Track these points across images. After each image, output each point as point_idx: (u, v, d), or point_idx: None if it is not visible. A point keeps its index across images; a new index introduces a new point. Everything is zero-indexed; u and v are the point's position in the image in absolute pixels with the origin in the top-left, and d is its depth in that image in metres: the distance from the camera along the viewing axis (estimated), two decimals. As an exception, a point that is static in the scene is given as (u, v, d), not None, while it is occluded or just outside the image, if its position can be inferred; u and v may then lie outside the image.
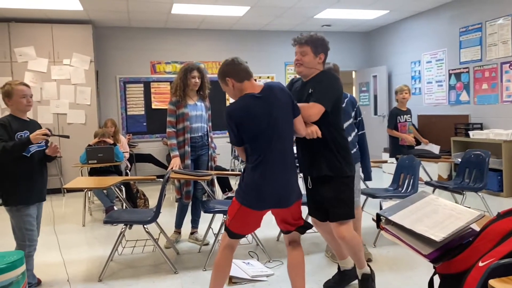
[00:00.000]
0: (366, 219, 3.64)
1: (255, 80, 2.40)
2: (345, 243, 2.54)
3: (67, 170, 6.63)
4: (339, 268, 2.93)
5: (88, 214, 5.09)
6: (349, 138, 3.30)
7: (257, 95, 2.25)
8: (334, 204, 2.51)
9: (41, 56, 6.60)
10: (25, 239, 2.85)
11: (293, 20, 7.49)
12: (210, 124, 4.06)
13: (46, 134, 2.81)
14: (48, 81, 6.64)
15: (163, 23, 7.39)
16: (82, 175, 5.47)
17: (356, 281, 2.77)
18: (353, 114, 3.35)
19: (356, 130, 3.35)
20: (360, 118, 3.41)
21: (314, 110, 2.39)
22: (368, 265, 2.71)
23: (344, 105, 3.32)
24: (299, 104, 2.39)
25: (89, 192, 5.16)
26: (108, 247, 3.63)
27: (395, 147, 4.90)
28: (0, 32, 6.43)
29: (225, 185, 5.91)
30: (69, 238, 4.28)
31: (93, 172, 5.23)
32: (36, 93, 6.56)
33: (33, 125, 3.03)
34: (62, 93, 6.71)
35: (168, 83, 7.52)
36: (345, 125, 3.30)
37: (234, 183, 6.52)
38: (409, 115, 5.03)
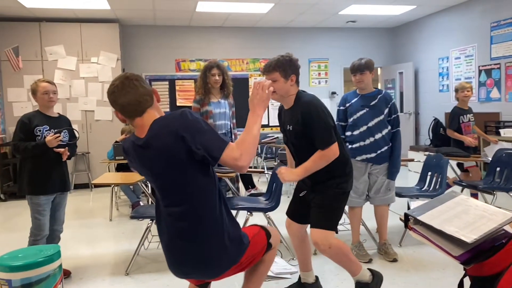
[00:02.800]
0: (392, 218, 3.59)
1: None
2: (327, 255, 2.44)
3: (95, 165, 6.80)
4: (299, 278, 2.79)
5: (115, 209, 5.20)
6: (379, 136, 3.26)
7: (137, 143, 1.70)
8: (319, 210, 2.42)
9: (70, 54, 6.78)
10: (33, 226, 3.00)
11: (317, 16, 7.43)
12: (234, 121, 4.08)
13: (58, 136, 2.98)
14: (76, 79, 6.82)
15: (187, 21, 7.46)
16: (109, 171, 5.61)
17: None
18: (386, 111, 3.27)
19: (389, 128, 3.28)
20: (395, 115, 3.31)
21: (333, 150, 2.30)
22: (371, 270, 2.56)
23: (376, 101, 3.28)
24: (317, 156, 2.30)
25: (116, 188, 5.28)
26: (134, 241, 3.71)
27: (461, 150, 4.57)
28: (32, 31, 6.64)
29: (248, 182, 5.93)
30: (97, 232, 4.40)
31: (120, 168, 5.35)
32: (65, 90, 6.76)
33: (58, 121, 3.17)
34: (90, 90, 6.88)
35: (193, 80, 7.60)
36: (375, 121, 3.26)
37: (257, 180, 6.54)
38: (471, 114, 4.77)
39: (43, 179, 3.02)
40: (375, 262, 3.31)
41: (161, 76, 7.76)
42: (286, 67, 2.36)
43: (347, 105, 3.39)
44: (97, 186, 6.61)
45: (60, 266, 0.91)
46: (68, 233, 4.12)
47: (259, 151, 7.40)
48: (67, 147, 3.10)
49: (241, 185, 5.75)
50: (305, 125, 2.33)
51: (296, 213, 2.64)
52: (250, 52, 7.97)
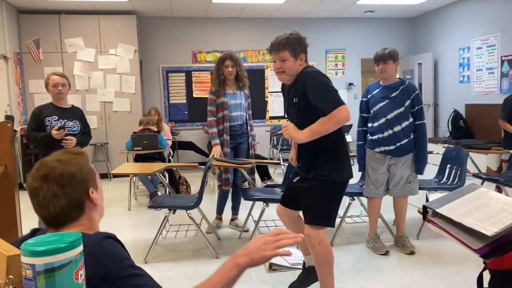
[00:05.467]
0: (410, 211, 3.56)
1: None
2: (313, 252, 2.36)
3: (114, 156, 6.92)
4: (304, 265, 2.76)
5: (133, 199, 5.30)
6: (398, 128, 3.21)
7: None
8: (310, 204, 2.35)
9: (89, 46, 6.87)
10: None
11: (334, 6, 7.33)
12: (250, 112, 4.08)
13: (63, 130, 3.14)
14: (95, 71, 6.91)
15: (204, 12, 7.46)
16: (127, 161, 5.70)
17: None
18: (407, 102, 3.19)
19: (410, 120, 3.22)
20: (419, 107, 3.22)
21: (342, 112, 2.14)
22: None
23: (397, 92, 3.22)
24: (325, 118, 2.16)
25: (134, 178, 5.37)
26: (152, 230, 3.78)
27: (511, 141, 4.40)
28: (52, 23, 6.74)
29: (264, 174, 5.95)
30: (116, 221, 4.49)
31: (138, 159, 5.43)
32: (84, 82, 6.86)
33: (69, 112, 3.32)
34: (108, 82, 6.97)
35: (209, 72, 7.62)
36: (394, 113, 3.21)
37: (273, 171, 6.55)
38: None
39: None
40: (391, 255, 3.30)
41: (177, 67, 7.80)
42: (295, 46, 2.28)
43: (369, 96, 3.35)
44: (115, 176, 6.73)
45: (82, 252, 0.94)
46: (89, 222, 4.21)
47: (275, 143, 7.40)
48: (74, 137, 3.20)
49: (257, 176, 5.78)
50: (308, 92, 2.20)
51: (288, 199, 2.56)
52: (266, 43, 7.82)
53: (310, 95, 2.20)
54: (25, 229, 2.62)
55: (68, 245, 0.92)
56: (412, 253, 3.29)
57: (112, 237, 1.15)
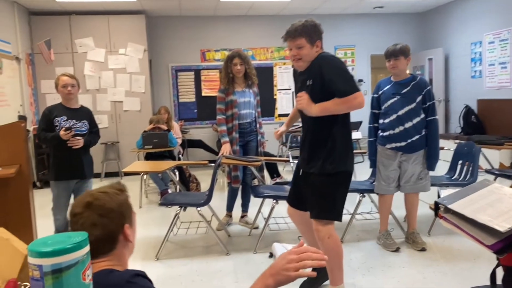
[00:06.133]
0: (421, 208, 3.53)
1: None
2: (322, 246, 2.36)
3: (124, 154, 6.98)
4: None
5: (144, 197, 5.34)
6: (409, 124, 3.18)
7: None
8: (315, 199, 2.35)
9: (99, 46, 6.93)
10: (52, 207, 3.27)
11: (343, 2, 7.29)
12: (259, 110, 4.09)
13: (69, 131, 3.18)
14: (105, 70, 6.97)
15: (212, 10, 7.48)
16: (138, 160, 5.74)
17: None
18: (419, 98, 3.17)
19: (421, 116, 3.19)
20: (431, 103, 3.19)
21: (357, 98, 2.19)
22: None
23: (408, 88, 3.20)
24: (339, 100, 2.20)
25: (145, 176, 5.41)
26: (163, 228, 3.81)
27: None
28: (62, 24, 6.81)
29: (273, 171, 5.95)
30: (128, 219, 4.53)
31: (148, 157, 5.47)
32: (95, 82, 6.93)
33: (78, 113, 3.37)
34: (118, 81, 7.03)
35: (217, 70, 7.62)
36: (405, 110, 3.18)
37: (282, 169, 6.55)
38: None
39: (59, 167, 3.26)
40: (402, 251, 3.29)
41: (186, 66, 7.83)
42: (311, 33, 2.29)
43: (380, 92, 3.34)
44: (127, 174, 6.79)
45: (88, 253, 0.95)
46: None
47: (284, 140, 7.39)
48: (82, 137, 3.26)
49: (266, 173, 5.79)
50: (324, 77, 2.22)
51: (296, 199, 2.57)
52: (274, 41, 7.91)
53: (327, 78, 2.22)
54: (39, 226, 2.67)
55: (75, 245, 0.93)
56: (423, 249, 3.27)
57: (142, 275, 1.16)
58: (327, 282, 2.55)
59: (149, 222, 4.42)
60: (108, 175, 6.96)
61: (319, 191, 2.34)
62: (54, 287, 0.89)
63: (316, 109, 2.26)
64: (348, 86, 2.20)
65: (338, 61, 2.30)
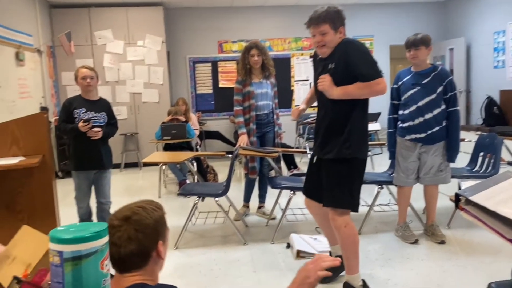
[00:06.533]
0: (440, 200, 3.49)
1: None
2: (339, 235, 2.36)
3: (144, 145, 7.07)
4: (330, 255, 2.73)
5: (163, 187, 5.42)
6: (429, 116, 3.13)
7: None
8: (331, 187, 2.34)
9: (118, 38, 7.01)
10: (75, 196, 3.40)
11: (362, -8, 7.16)
12: (276, 101, 4.08)
13: (87, 123, 3.23)
14: (124, 62, 7.05)
15: (229, 1, 7.46)
16: (157, 150, 5.82)
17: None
18: (440, 89, 3.11)
19: (442, 107, 3.13)
20: (452, 93, 3.13)
21: (380, 84, 2.21)
22: (364, 282, 2.42)
23: (429, 79, 3.14)
24: (362, 84, 2.20)
25: (164, 166, 5.49)
26: (182, 217, 3.86)
27: None
28: (82, 17, 6.91)
29: (290, 163, 5.96)
30: (147, 209, 4.61)
31: (167, 148, 5.54)
32: (114, 74, 7.02)
33: (96, 104, 3.42)
34: (137, 73, 7.10)
35: (235, 61, 7.63)
36: (426, 100, 3.13)
37: (299, 160, 6.54)
38: None
39: (79, 157, 3.36)
40: (421, 244, 3.26)
41: (203, 58, 7.85)
42: (335, 19, 2.29)
43: (400, 83, 3.29)
44: (146, 165, 6.90)
45: (107, 243, 0.98)
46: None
47: (301, 132, 7.37)
48: (101, 128, 3.32)
49: (283, 165, 5.79)
50: (348, 61, 2.22)
51: (312, 189, 2.56)
52: (292, 31, 7.85)
53: (351, 61, 2.22)
54: (62, 215, 2.74)
55: (95, 234, 0.96)
56: (442, 242, 3.24)
57: None
58: (343, 273, 2.55)
59: (168, 212, 4.45)
60: (128, 165, 7.07)
61: (335, 178, 2.33)
62: (73, 273, 0.92)
63: (337, 92, 2.26)
64: (372, 71, 2.21)
65: (363, 46, 2.31)
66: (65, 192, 4.20)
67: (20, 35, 5.45)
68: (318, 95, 2.47)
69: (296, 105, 8.08)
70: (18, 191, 2.44)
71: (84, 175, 3.37)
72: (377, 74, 2.22)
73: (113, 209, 3.51)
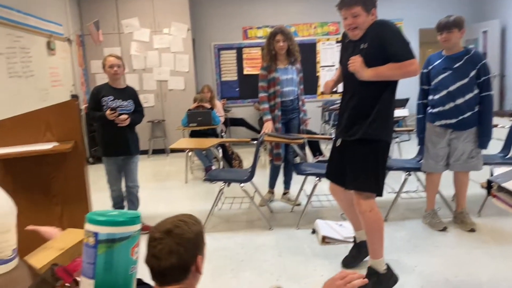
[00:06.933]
0: (471, 187, 3.40)
1: None
2: (363, 220, 2.35)
3: (170, 132, 7.19)
4: (355, 241, 2.75)
5: (189, 173, 5.51)
6: (460, 101, 3.04)
7: None
8: (355, 170, 2.32)
9: (144, 26, 7.08)
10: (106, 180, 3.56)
11: (391, -27, 6.94)
12: (302, 87, 4.05)
13: (114, 112, 3.31)
14: (150, 50, 7.14)
15: (254, -13, 7.39)
16: (183, 137, 5.91)
17: None
18: (472, 73, 3.01)
19: (474, 92, 3.03)
20: (486, 78, 3.03)
21: (413, 65, 2.18)
22: (389, 266, 2.40)
23: (461, 63, 3.05)
24: (395, 65, 2.18)
25: (190, 153, 5.57)
26: (208, 202, 3.93)
27: None
28: (109, 5, 7.01)
29: (315, 149, 5.92)
30: (174, 194, 4.72)
31: (193, 134, 5.61)
32: (141, 62, 7.12)
33: (123, 92, 3.50)
34: (163, 61, 7.18)
35: (259, 48, 7.60)
36: (457, 85, 3.04)
37: (325, 147, 6.50)
38: None
39: (107, 144, 3.47)
40: (450, 232, 3.20)
41: (228, 44, 7.84)
42: (367, 0, 2.25)
43: (430, 67, 3.20)
44: (173, 151, 7.02)
45: (139, 230, 1.01)
46: (148, 194, 4.47)
47: (327, 118, 7.30)
48: (127, 116, 3.40)
49: (308, 152, 5.77)
50: (381, 41, 2.21)
51: (335, 174, 2.53)
52: (318, 16, 7.72)
53: (385, 42, 2.20)
54: (94, 199, 2.84)
55: (129, 219, 0.99)
56: (472, 230, 3.17)
57: None
58: (366, 258, 2.54)
59: (194, 197, 4.58)
60: (155, 152, 7.22)
61: (359, 160, 2.32)
62: (106, 256, 0.95)
63: (369, 73, 2.23)
64: (406, 51, 2.19)
65: (396, 26, 2.28)
66: (96, 177, 4.34)
67: (51, 24, 5.60)
68: (345, 77, 2.44)
69: (321, 92, 7.99)
70: (52, 176, 2.54)
71: (113, 160, 3.49)
72: (410, 54, 2.19)
73: (140, 193, 3.64)
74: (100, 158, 3.69)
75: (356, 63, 2.25)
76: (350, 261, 2.72)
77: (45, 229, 1.40)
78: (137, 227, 1.01)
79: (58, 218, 2.54)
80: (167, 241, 1.18)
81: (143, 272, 1.32)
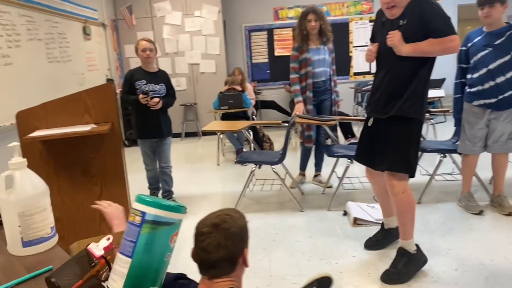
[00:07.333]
0: (510, 169, 3.28)
1: None
2: (396, 201, 2.32)
3: (202, 115, 7.28)
4: (382, 225, 2.74)
5: (221, 155, 5.59)
6: (501, 79, 2.91)
7: None
8: (388, 149, 2.28)
9: (176, 9, 7.13)
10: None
11: None
12: (334, 67, 3.99)
13: (146, 96, 3.41)
14: (182, 33, 7.20)
15: (285, -34, 7.25)
16: (215, 120, 5.98)
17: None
18: None
19: None
20: None
21: (454, 42, 2.13)
22: (418, 247, 2.39)
23: (503, 39, 2.91)
24: (435, 40, 2.13)
25: (221, 136, 5.64)
26: (239, 184, 3.99)
27: None
28: (142, -10, 7.10)
29: (347, 131, 5.85)
30: (206, 175, 4.81)
31: (224, 117, 5.67)
32: (173, 45, 7.21)
33: (156, 76, 3.58)
34: (194, 44, 7.23)
35: (291, 29, 7.50)
36: (498, 63, 2.91)
37: (357, 129, 6.40)
38: None
39: (140, 127, 3.61)
40: (487, 215, 3.11)
41: (259, 26, 7.78)
42: None
43: (469, 44, 3.07)
44: (204, 134, 7.13)
45: (181, 220, 1.05)
46: (181, 176, 4.59)
47: (360, 100, 7.16)
48: (160, 98, 3.48)
49: (340, 134, 5.71)
50: (422, 16, 2.16)
51: (367, 157, 2.49)
52: (350, -5, 7.52)
53: (426, 17, 2.15)
54: (130, 181, 2.94)
55: (177, 207, 1.02)
56: (510, 214, 3.06)
57: None
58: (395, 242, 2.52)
59: (226, 179, 4.65)
60: (188, 135, 7.35)
61: (392, 139, 2.29)
62: (148, 236, 0.97)
63: (407, 48, 2.19)
64: (447, 27, 2.14)
65: (436, 2, 2.21)
66: (131, 160, 4.48)
67: (86, 10, 5.75)
68: (380, 55, 2.38)
69: (354, 73, 7.83)
70: (91, 156, 2.65)
71: (147, 142, 3.63)
72: (451, 30, 2.14)
73: (174, 175, 3.75)
74: (135, 141, 3.82)
75: (395, 37, 2.20)
76: (373, 244, 2.73)
77: (108, 210, 1.44)
78: (182, 216, 1.04)
79: (97, 197, 2.66)
80: (215, 235, 1.21)
81: (185, 269, 1.37)
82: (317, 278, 2.19)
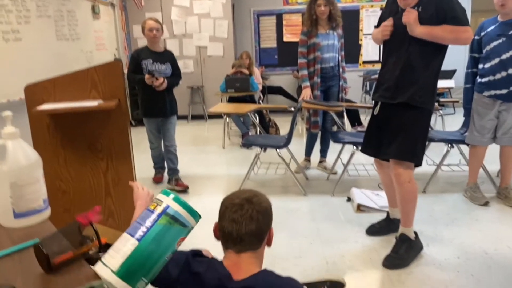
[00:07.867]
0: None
1: None
2: (401, 190, 2.33)
3: (209, 98, 7.26)
4: (388, 214, 2.75)
5: (227, 138, 5.59)
6: None
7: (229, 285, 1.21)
8: (396, 138, 2.27)
9: (185, -9, 7.06)
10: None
11: None
12: (343, 53, 3.95)
13: (152, 76, 3.41)
14: (190, 15, 7.13)
15: (298, -51, 7.13)
16: (222, 103, 5.96)
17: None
18: None
19: None
20: None
21: (467, 32, 2.14)
22: (416, 234, 2.44)
23: None
24: (450, 27, 2.11)
25: (228, 119, 5.63)
26: (244, 167, 3.99)
27: None
28: (151, -30, 7.02)
29: (354, 119, 5.82)
30: (211, 158, 4.82)
31: (231, 101, 5.64)
32: (181, 27, 7.15)
33: (162, 56, 3.57)
34: (203, 26, 7.17)
35: (300, 14, 7.40)
36: (511, 53, 2.86)
37: (364, 118, 6.37)
38: None
39: (146, 106, 3.63)
40: (492, 207, 3.10)
41: (268, 10, 7.69)
42: None
43: (482, 34, 3.01)
44: (211, 117, 7.12)
45: (192, 229, 1.05)
46: (187, 157, 4.60)
47: (368, 88, 7.10)
48: (164, 78, 3.48)
49: (347, 122, 5.68)
50: (438, 7, 2.15)
51: (374, 147, 2.47)
52: (363, -19, 7.40)
53: (444, 5, 2.15)
54: (136, 160, 2.95)
55: (196, 212, 1.03)
56: (519, 207, 3.05)
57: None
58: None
59: (231, 162, 4.66)
60: (194, 117, 7.34)
61: (400, 127, 2.27)
62: (162, 228, 0.97)
63: (421, 29, 2.16)
64: (463, 17, 2.15)
65: None
66: (137, 139, 4.49)
67: (96, -12, 5.70)
68: (391, 41, 2.33)
69: (363, 61, 7.74)
70: (98, 132, 2.65)
71: (152, 121, 3.67)
72: (466, 21, 2.15)
73: (180, 156, 3.75)
74: (142, 121, 3.83)
75: (412, 15, 2.16)
76: (375, 230, 2.75)
77: (139, 192, 1.44)
78: (195, 223, 1.04)
79: (103, 172, 2.67)
80: (248, 208, 1.20)
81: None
82: (330, 279, 2.15)
